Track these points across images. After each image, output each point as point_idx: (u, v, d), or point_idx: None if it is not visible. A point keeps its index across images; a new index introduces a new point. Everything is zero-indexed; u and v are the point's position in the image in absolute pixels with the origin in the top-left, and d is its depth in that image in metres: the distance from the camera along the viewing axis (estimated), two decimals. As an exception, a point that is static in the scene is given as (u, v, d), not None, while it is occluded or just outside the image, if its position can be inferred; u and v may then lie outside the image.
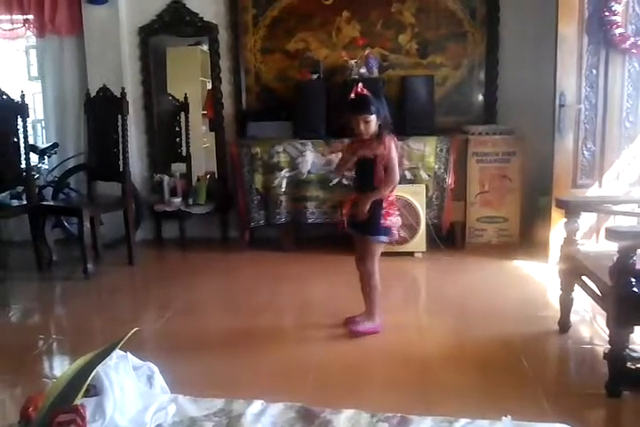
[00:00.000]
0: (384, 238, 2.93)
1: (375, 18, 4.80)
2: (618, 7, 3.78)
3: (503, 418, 1.33)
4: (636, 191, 3.93)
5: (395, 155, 2.85)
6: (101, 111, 4.45)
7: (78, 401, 1.15)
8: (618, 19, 3.80)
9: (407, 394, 2.36)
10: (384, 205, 2.89)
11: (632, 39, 3.79)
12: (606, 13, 3.80)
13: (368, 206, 2.84)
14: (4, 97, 4.26)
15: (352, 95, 2.88)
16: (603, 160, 4.00)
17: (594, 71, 3.92)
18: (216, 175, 5.08)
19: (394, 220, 2.93)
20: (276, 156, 4.49)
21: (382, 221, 2.87)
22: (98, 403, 1.32)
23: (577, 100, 3.93)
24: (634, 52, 3.82)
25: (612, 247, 2.26)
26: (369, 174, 2.87)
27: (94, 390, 1.34)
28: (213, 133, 5.12)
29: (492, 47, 4.72)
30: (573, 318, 2.98)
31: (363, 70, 4.56)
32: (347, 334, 2.98)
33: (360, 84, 2.89)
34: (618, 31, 3.79)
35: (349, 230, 3.00)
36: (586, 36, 3.88)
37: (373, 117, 2.82)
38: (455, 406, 2.24)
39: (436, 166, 4.43)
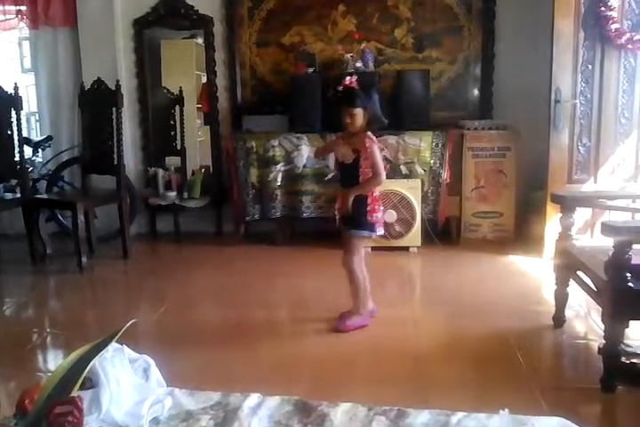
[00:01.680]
0: (366, 233, 2.93)
1: (371, 12, 4.79)
2: (614, 2, 3.78)
3: (500, 411, 1.33)
4: (630, 187, 3.93)
5: (377, 154, 2.84)
6: (96, 104, 4.41)
7: (74, 394, 1.15)
8: (614, 14, 3.80)
9: (403, 388, 2.36)
10: (369, 201, 2.89)
11: (628, 34, 3.79)
12: (602, 8, 3.80)
13: (351, 200, 2.85)
14: (-2, 89, 4.24)
15: (340, 88, 2.89)
16: (598, 155, 4.01)
17: (589, 66, 3.92)
18: (211, 169, 5.07)
19: (379, 216, 2.94)
20: (272, 150, 4.48)
21: (369, 218, 2.88)
22: (94, 396, 1.31)
23: (572, 96, 3.93)
24: (630, 48, 3.82)
25: (608, 242, 2.26)
26: (352, 169, 2.88)
27: (90, 383, 1.34)
28: (208, 127, 5.10)
29: (488, 42, 4.72)
30: (568, 312, 2.99)
31: (358, 64, 4.56)
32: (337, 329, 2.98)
33: (349, 78, 2.88)
34: (614, 26, 3.79)
35: (341, 226, 3.01)
36: (582, 31, 3.88)
37: (359, 111, 2.81)
38: (451, 400, 2.25)
39: (432, 161, 4.43)
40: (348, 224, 2.94)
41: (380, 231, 3.01)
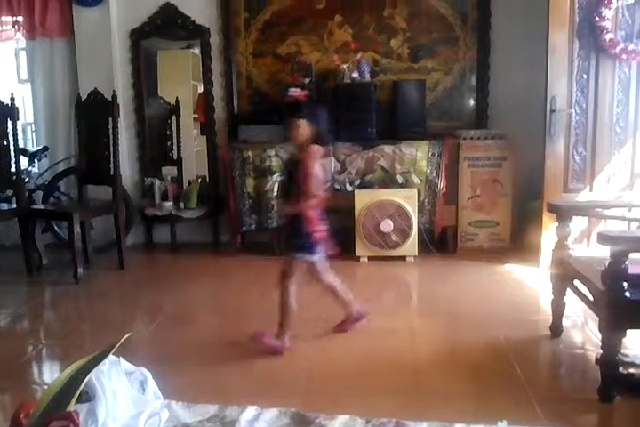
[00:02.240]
0: (304, 257, 2.79)
1: (367, 22, 4.81)
2: (608, 13, 3.81)
3: (499, 423, 1.33)
4: (626, 196, 3.95)
5: (313, 166, 2.70)
6: (92, 114, 4.42)
7: (72, 407, 1.14)
8: (608, 24, 3.83)
9: (400, 399, 2.35)
10: (307, 220, 2.73)
11: (622, 45, 3.82)
12: (596, 19, 3.83)
13: (289, 215, 2.79)
14: (-6, 100, 4.24)
15: (288, 99, 2.83)
16: (593, 165, 4.03)
17: (584, 76, 3.95)
18: (207, 179, 5.07)
19: (320, 236, 2.76)
20: (268, 160, 4.48)
21: (308, 239, 2.74)
22: (90, 409, 1.30)
23: (568, 105, 3.95)
24: (624, 58, 3.85)
25: (604, 252, 2.26)
26: (291, 183, 2.81)
27: (86, 396, 1.33)
28: (205, 137, 5.11)
29: (484, 52, 4.74)
30: (565, 322, 2.98)
31: (355, 74, 4.57)
32: (337, 339, 2.98)
33: (298, 90, 2.81)
34: (608, 37, 3.82)
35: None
36: (576, 41, 3.91)
37: (302, 123, 2.73)
38: (448, 411, 2.24)
39: (428, 171, 4.44)
40: (287, 244, 2.86)
41: (322, 254, 2.81)
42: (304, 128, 2.74)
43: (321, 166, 2.77)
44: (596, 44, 3.88)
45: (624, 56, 3.83)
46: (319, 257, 2.83)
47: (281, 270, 2.87)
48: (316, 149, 2.74)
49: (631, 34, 3.86)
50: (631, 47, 3.81)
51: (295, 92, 2.76)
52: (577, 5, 3.87)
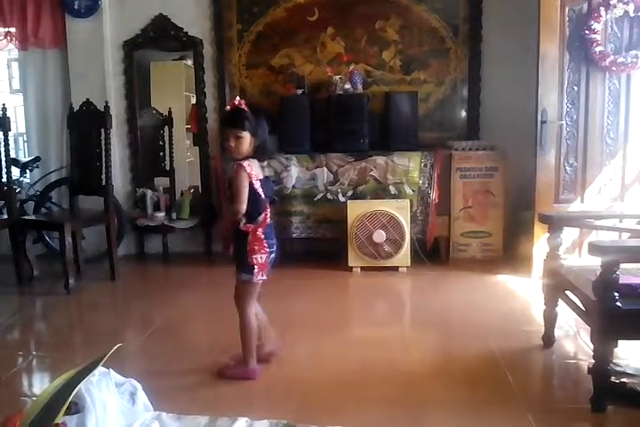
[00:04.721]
0: (246, 277, 2.63)
1: (359, 34, 4.84)
2: (597, 26, 3.85)
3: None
4: (617, 206, 3.97)
5: (240, 183, 2.51)
6: (84, 125, 4.41)
7: (60, 419, 1.13)
8: (597, 37, 3.87)
9: (392, 410, 2.34)
10: (249, 239, 2.58)
11: (611, 57, 3.86)
12: (586, 32, 3.87)
13: (227, 231, 2.66)
14: (-14, 110, 4.23)
15: (228, 107, 2.64)
16: (584, 175, 4.05)
17: (575, 88, 3.98)
18: (200, 189, 5.07)
19: (259, 258, 2.59)
20: (261, 170, 4.48)
21: (248, 259, 2.58)
22: (79, 421, 1.29)
23: (558, 117, 3.97)
24: (613, 70, 3.89)
25: (595, 262, 2.27)
26: (229, 200, 2.64)
27: (76, 408, 1.32)
28: (197, 148, 5.11)
29: (475, 64, 4.77)
30: (557, 332, 2.99)
31: (347, 86, 4.59)
32: (330, 350, 2.97)
33: (238, 98, 2.62)
34: (598, 49, 3.86)
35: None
36: (567, 53, 3.94)
37: (246, 135, 2.52)
38: (441, 422, 2.24)
39: (421, 181, 4.46)
40: (235, 264, 2.71)
41: (261, 277, 2.64)
42: (246, 140, 2.54)
43: (257, 182, 2.55)
44: (587, 56, 3.92)
45: (614, 68, 3.87)
46: (253, 280, 2.65)
47: (235, 293, 2.76)
48: (240, 167, 2.52)
49: (620, 46, 3.91)
50: (620, 59, 3.85)
51: (238, 100, 2.60)
52: (567, 18, 3.92)
